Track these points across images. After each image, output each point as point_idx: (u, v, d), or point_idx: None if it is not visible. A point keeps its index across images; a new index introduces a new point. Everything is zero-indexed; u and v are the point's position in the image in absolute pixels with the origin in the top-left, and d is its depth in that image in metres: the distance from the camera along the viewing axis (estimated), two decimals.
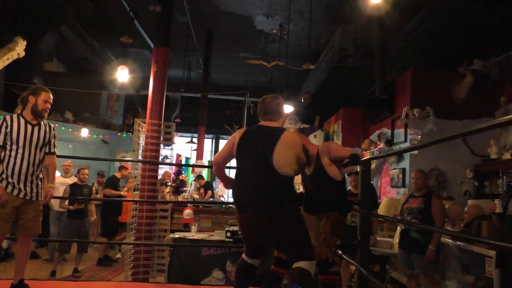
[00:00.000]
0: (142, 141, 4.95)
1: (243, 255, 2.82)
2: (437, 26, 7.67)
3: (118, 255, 7.70)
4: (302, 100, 9.12)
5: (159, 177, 5.03)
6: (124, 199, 7.13)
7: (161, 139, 4.75)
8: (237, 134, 2.68)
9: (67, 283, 3.87)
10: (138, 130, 4.86)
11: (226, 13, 9.15)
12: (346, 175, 3.88)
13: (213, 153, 16.87)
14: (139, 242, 4.42)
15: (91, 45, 10.22)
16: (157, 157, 4.78)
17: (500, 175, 5.67)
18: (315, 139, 10.90)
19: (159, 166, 4.97)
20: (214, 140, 17.19)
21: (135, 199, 5.12)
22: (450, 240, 4.73)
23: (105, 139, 11.73)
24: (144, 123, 4.76)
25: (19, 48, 6.56)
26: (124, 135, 12.31)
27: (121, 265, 7.11)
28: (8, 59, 6.43)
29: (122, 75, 6.77)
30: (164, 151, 5.80)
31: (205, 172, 11.38)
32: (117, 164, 11.85)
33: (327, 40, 9.41)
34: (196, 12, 8.96)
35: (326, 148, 3.18)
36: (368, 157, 6.08)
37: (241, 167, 2.62)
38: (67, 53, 10.79)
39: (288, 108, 8.95)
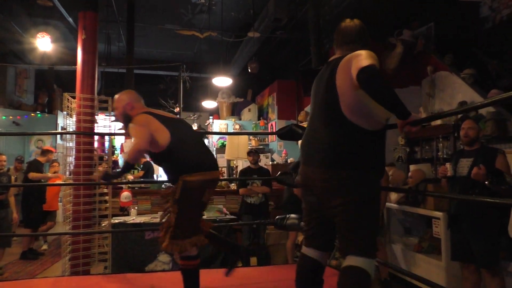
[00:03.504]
0: (71, 119, 4.39)
1: (303, 247, 2.11)
2: None
3: (44, 247, 7.03)
4: (249, 70, 8.83)
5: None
6: (50, 183, 6.46)
7: (95, 115, 4.25)
8: None
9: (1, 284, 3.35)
10: (67, 106, 4.29)
11: None
12: None
13: None
14: (77, 231, 3.97)
15: None
16: (91, 135, 4.29)
17: (435, 140, 5.99)
18: (250, 113, 10.76)
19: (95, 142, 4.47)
20: None
21: (65, 182, 4.59)
22: (394, 205, 4.90)
23: (16, 120, 10.50)
24: (74, 98, 4.21)
25: None
26: (39, 115, 11.12)
27: (48, 257, 6.51)
28: None
29: (43, 43, 5.93)
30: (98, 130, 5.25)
31: None
32: (33, 148, 10.78)
33: (256, 12, 9.17)
34: None
35: None
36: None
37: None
38: None
39: (226, 81, 8.65)
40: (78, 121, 4.07)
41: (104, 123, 5.86)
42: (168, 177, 2.60)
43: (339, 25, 2.10)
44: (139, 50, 12.04)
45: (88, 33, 4.23)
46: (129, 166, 2.46)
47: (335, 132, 1.87)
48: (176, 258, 4.71)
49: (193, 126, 9.30)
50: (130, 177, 7.40)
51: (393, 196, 4.86)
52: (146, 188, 6.51)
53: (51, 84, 12.13)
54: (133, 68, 9.61)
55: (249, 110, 10.77)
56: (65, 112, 4.63)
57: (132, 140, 2.42)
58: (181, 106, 9.47)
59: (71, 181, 4.22)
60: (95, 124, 4.36)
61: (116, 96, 2.69)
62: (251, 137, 9.14)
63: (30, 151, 10.55)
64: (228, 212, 5.49)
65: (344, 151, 1.83)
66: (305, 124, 8.43)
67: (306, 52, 8.02)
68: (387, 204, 4.89)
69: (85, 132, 4.10)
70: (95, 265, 4.49)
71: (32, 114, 11.02)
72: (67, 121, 4.51)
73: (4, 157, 5.79)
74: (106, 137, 6.11)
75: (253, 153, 5.56)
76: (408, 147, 6.89)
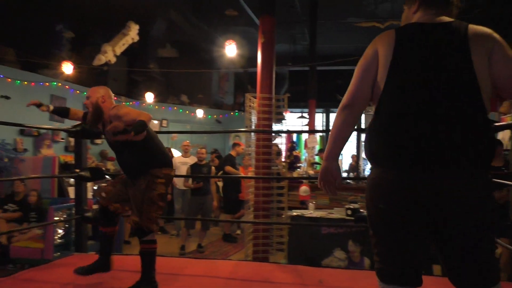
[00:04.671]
0: (254, 117, 4.79)
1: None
2: None
3: (238, 231, 7.87)
4: None
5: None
6: (240, 175, 7.18)
7: (273, 113, 4.53)
8: (379, 43, 1.53)
9: (191, 261, 3.92)
10: (250, 106, 4.70)
11: None
12: None
13: (324, 127, 16.40)
14: (257, 221, 4.31)
15: (198, 27, 10.44)
16: (270, 133, 4.59)
17: None
18: None
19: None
20: (325, 114, 16.65)
21: (249, 175, 5.05)
22: None
23: (218, 119, 12.09)
24: (255, 98, 4.57)
25: (132, 33, 6.90)
26: (236, 113, 12.53)
27: (241, 241, 7.26)
28: (123, 44, 6.82)
29: (230, 50, 6.70)
30: (276, 128, 5.60)
31: (317, 148, 11.08)
32: (231, 143, 12.24)
33: None
34: None
35: None
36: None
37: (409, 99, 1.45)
38: (178, 38, 11.22)
39: None
40: (258, 119, 4.40)
41: (293, 120, 6.18)
42: (133, 167, 2.73)
43: None
44: (321, 47, 12.30)
45: (266, 36, 4.52)
46: (143, 125, 2.45)
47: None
48: (352, 255, 4.66)
49: None
50: (311, 171, 7.64)
51: None
52: None
53: (246, 85, 13.51)
54: (315, 65, 9.85)
55: None
56: (253, 111, 5.10)
57: (124, 117, 2.54)
58: None
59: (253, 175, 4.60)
60: (283, 121, 4.63)
61: (93, 87, 2.80)
62: None
63: (229, 146, 11.99)
64: None
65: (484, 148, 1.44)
66: (508, 118, 7.13)
67: None
68: None
69: (258, 130, 4.41)
70: (274, 254, 4.78)
71: (231, 113, 12.48)
72: (252, 119, 4.96)
73: (204, 149, 6.73)
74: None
75: None
76: None
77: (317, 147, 11.38)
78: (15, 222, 5.47)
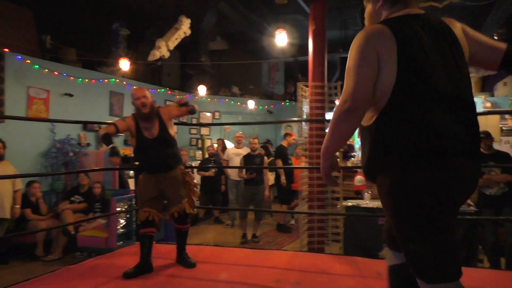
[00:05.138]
0: (306, 106, 4.71)
1: (390, 253, 1.73)
2: None
3: (292, 222, 7.86)
4: (495, 37, 7.56)
5: None
6: (292, 166, 7.14)
7: (326, 101, 4.43)
8: (376, 40, 1.47)
9: (247, 251, 3.96)
10: (302, 95, 4.62)
11: None
12: None
13: None
14: (312, 211, 4.26)
15: (248, 17, 10.42)
16: (323, 122, 4.49)
17: None
18: (505, 88, 9.08)
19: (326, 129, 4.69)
20: None
21: (301, 166, 4.98)
22: None
23: (270, 109, 12.07)
24: (307, 86, 4.49)
25: (185, 27, 7.01)
26: (287, 103, 12.44)
27: (296, 232, 7.24)
28: (176, 39, 6.94)
29: (281, 39, 6.62)
30: (329, 116, 5.48)
31: None
32: (283, 133, 12.19)
33: None
34: None
35: None
36: None
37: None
38: (228, 30, 11.27)
39: None
40: (311, 108, 4.33)
41: None
42: (168, 161, 3.19)
43: None
44: None
45: (317, 23, 4.41)
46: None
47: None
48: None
49: None
50: None
51: None
52: None
53: (296, 74, 13.34)
54: None
55: (505, 84, 9.07)
56: (305, 100, 5.02)
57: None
58: None
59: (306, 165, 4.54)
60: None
61: (143, 89, 3.24)
62: (506, 116, 7.72)
63: (281, 136, 11.94)
64: (472, 204, 4.82)
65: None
66: None
67: None
68: None
69: (311, 119, 4.32)
70: (330, 244, 4.72)
71: (282, 103, 12.41)
72: (304, 109, 4.89)
73: (256, 140, 6.76)
74: None
75: (484, 138, 4.62)
76: None
77: None
78: (81, 213, 5.81)
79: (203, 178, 7.88)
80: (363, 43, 1.48)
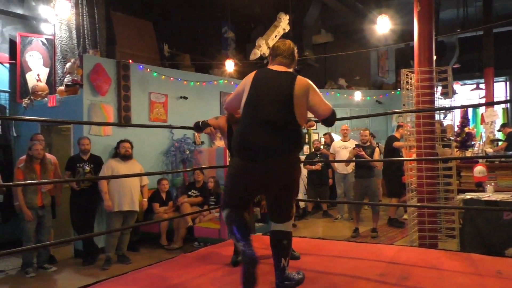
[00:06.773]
0: (413, 94, 4.44)
1: (228, 210, 2.54)
2: None
3: (405, 216, 7.46)
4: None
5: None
6: (403, 158, 6.77)
7: (435, 88, 4.12)
8: (246, 79, 2.58)
9: (350, 244, 3.90)
10: (407, 82, 4.37)
11: None
12: None
13: (508, 98, 14.07)
14: (421, 204, 4.01)
15: (354, 7, 10.11)
16: (431, 110, 4.18)
17: None
18: None
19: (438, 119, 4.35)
20: (508, 82, 14.24)
21: (412, 157, 4.70)
22: None
23: (379, 99, 11.57)
24: (412, 73, 4.23)
25: (283, 23, 7.10)
26: (398, 92, 11.78)
27: (408, 227, 6.87)
28: (275, 36, 7.07)
29: (383, 24, 6.29)
30: (442, 103, 5.09)
31: (498, 122, 9.61)
32: (394, 124, 11.57)
33: None
34: None
35: None
36: None
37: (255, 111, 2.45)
38: (333, 22, 11.09)
39: None
40: (417, 95, 4.07)
41: (466, 93, 5.55)
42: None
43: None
44: (500, 5, 10.55)
45: (423, 4, 4.12)
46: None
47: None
48: None
49: None
50: (489, 150, 6.71)
51: None
52: (508, 162, 5.72)
53: (408, 60, 12.55)
54: (491, 28, 8.50)
55: None
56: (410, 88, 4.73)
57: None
58: None
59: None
60: (454, 96, 4.22)
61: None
62: None
63: (392, 127, 11.35)
64: None
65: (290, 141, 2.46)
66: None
67: None
68: None
69: (417, 110, 4.04)
70: (444, 240, 4.40)
71: (392, 92, 11.80)
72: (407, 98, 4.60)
73: (367, 131, 6.59)
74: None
75: None
76: None
77: (499, 121, 9.90)
78: (197, 206, 6.30)
79: (310, 172, 7.91)
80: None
